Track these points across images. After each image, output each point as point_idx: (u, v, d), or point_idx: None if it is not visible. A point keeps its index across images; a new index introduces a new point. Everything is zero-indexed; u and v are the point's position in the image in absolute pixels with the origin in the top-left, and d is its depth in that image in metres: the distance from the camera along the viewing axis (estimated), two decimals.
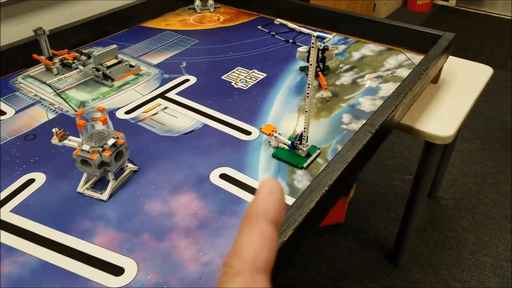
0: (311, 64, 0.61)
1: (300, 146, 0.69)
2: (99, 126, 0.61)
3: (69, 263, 0.53)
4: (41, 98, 0.86)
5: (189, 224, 0.58)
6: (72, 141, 0.62)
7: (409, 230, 1.31)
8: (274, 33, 1.16)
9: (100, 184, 0.64)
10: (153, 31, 1.17)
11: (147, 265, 0.52)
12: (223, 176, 0.66)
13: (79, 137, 0.61)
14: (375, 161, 1.87)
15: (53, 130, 0.62)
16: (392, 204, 1.65)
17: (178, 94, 0.88)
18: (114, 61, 0.91)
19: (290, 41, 1.12)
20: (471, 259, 1.43)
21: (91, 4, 1.20)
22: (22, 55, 0.94)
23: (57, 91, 0.88)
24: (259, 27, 1.20)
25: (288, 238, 0.51)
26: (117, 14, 1.13)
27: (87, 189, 0.63)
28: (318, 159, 0.70)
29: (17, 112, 0.81)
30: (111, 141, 0.60)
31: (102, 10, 1.14)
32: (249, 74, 0.96)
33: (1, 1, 1.00)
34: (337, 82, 0.93)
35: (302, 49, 0.95)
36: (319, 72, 0.94)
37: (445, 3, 3.75)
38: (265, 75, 0.95)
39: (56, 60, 0.93)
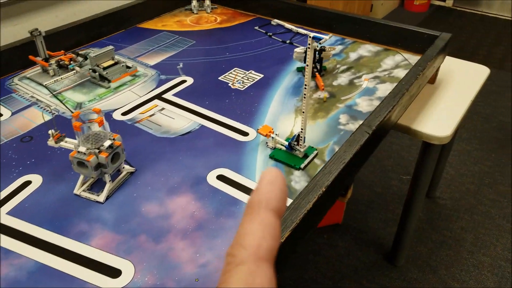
0: (307, 65, 0.61)
1: (297, 147, 0.69)
2: (96, 128, 0.61)
3: (66, 265, 0.52)
4: (37, 99, 0.85)
5: (186, 225, 0.58)
6: (68, 143, 0.62)
7: (407, 230, 1.31)
8: (271, 33, 1.16)
9: (97, 186, 0.64)
10: (149, 32, 1.17)
11: (144, 267, 0.52)
12: (220, 177, 0.66)
13: (75, 138, 0.61)
14: (373, 161, 1.87)
15: (50, 131, 0.62)
16: (390, 204, 1.65)
17: (175, 95, 0.88)
18: (111, 62, 0.91)
19: (287, 41, 1.12)
20: (469, 259, 1.43)
21: (87, 5, 1.20)
22: (19, 57, 0.94)
23: (54, 93, 0.88)
24: (256, 27, 1.20)
25: (285, 239, 0.51)
26: (114, 15, 1.13)
27: (83, 191, 0.62)
28: (316, 160, 0.70)
29: (13, 113, 0.81)
30: (107, 143, 0.59)
31: (99, 11, 1.13)
32: (246, 75, 0.96)
33: (1, 1, 0.99)
34: (334, 83, 0.93)
35: (299, 49, 0.95)
36: (316, 73, 0.94)
37: (442, 4, 3.76)
38: (262, 76, 0.95)
39: (53, 61, 0.93)
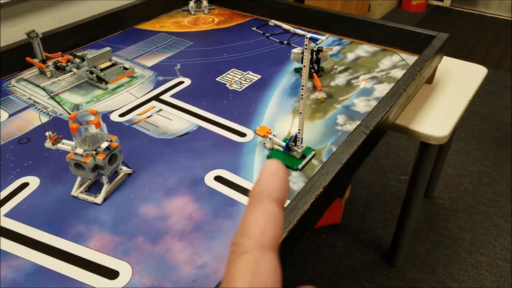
0: (304, 66, 0.61)
1: (294, 147, 0.69)
2: (93, 129, 0.61)
3: (64, 267, 0.52)
4: (34, 101, 0.85)
5: (184, 227, 0.58)
6: (65, 145, 0.62)
7: (406, 230, 1.31)
8: (268, 34, 1.16)
9: (94, 187, 0.64)
10: (147, 33, 1.17)
11: (141, 268, 0.52)
12: (218, 178, 0.66)
13: (73, 140, 0.61)
14: (371, 161, 1.87)
15: (47, 133, 0.62)
16: (389, 204, 1.65)
17: (172, 96, 0.88)
18: (108, 63, 0.91)
19: (285, 42, 1.12)
20: (467, 259, 1.43)
21: (85, 6, 1.20)
22: (16, 58, 0.94)
23: (51, 94, 0.88)
24: (254, 28, 1.20)
25: (282, 240, 0.51)
26: (111, 16, 1.13)
27: (81, 192, 0.62)
28: (313, 161, 0.70)
29: (10, 115, 0.81)
30: (104, 144, 0.59)
31: (96, 12, 1.13)
32: (243, 75, 0.96)
33: (1, 1, 0.99)
34: (332, 83, 0.93)
35: (297, 50, 0.95)
36: (314, 74, 0.94)
37: (439, 3, 3.76)
38: (259, 76, 0.95)
39: (50, 63, 0.93)
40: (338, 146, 0.67)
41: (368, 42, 1.12)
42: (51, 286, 0.50)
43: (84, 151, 0.59)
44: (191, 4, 1.28)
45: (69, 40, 1.04)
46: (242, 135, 0.76)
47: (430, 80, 1.13)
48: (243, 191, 0.64)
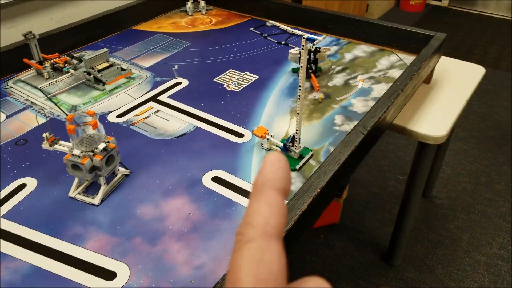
0: (301, 66, 0.61)
1: (292, 148, 0.69)
2: (90, 131, 0.61)
3: (61, 268, 0.52)
4: (32, 102, 0.85)
5: (182, 227, 0.58)
6: (63, 146, 0.62)
7: (404, 230, 1.31)
8: (266, 35, 1.16)
9: (91, 188, 0.64)
10: (144, 34, 1.17)
11: (139, 269, 0.52)
12: (216, 179, 0.66)
13: (70, 141, 0.61)
14: (369, 161, 1.87)
15: (44, 135, 0.61)
16: (387, 204, 1.65)
17: (170, 97, 0.88)
18: (105, 64, 0.91)
19: (282, 42, 1.12)
20: (466, 258, 1.43)
21: (82, 7, 1.20)
22: (13, 60, 0.94)
23: (48, 96, 0.87)
24: (251, 29, 1.20)
25: None
26: (109, 17, 1.13)
27: (78, 193, 0.62)
28: (311, 161, 0.70)
29: (8, 117, 0.81)
30: (101, 145, 0.59)
31: (93, 13, 1.13)
32: (241, 76, 0.96)
33: (1, 1, 0.99)
34: (330, 84, 0.93)
35: (294, 50, 0.95)
36: (312, 74, 0.94)
37: (437, 3, 3.77)
38: (257, 77, 0.95)
39: (47, 64, 0.93)
40: (336, 146, 0.67)
41: (366, 42, 1.12)
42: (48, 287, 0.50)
43: (81, 152, 0.59)
44: (189, 4, 1.28)
45: (66, 41, 1.04)
46: (240, 135, 0.76)
47: (428, 80, 1.13)
48: (241, 191, 0.64)
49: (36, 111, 0.83)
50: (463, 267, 1.40)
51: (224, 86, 0.92)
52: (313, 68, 0.95)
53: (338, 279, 1.37)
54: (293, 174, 0.67)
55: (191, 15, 1.29)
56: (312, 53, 0.94)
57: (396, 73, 0.97)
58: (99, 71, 0.89)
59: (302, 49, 0.60)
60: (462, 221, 1.58)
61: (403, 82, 0.83)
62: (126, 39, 1.13)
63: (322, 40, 1.11)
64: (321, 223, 1.55)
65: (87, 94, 0.89)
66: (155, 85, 0.92)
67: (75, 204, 0.61)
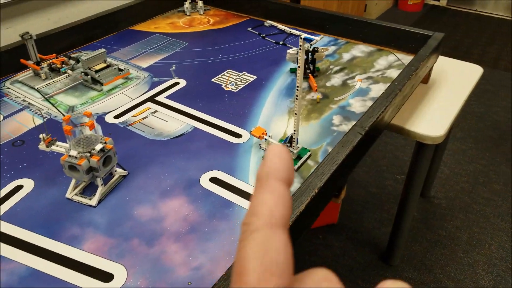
0: (299, 66, 0.61)
1: (290, 148, 0.69)
2: (87, 131, 0.61)
3: (58, 270, 0.52)
4: (29, 103, 0.85)
5: (179, 228, 0.57)
6: (59, 147, 0.62)
7: (402, 230, 1.31)
8: (264, 35, 1.16)
9: (89, 189, 0.64)
10: (142, 34, 1.16)
11: (136, 270, 0.52)
12: (214, 180, 0.66)
13: (67, 142, 0.61)
14: (368, 161, 1.87)
15: (41, 136, 0.61)
16: (385, 204, 1.65)
17: (167, 97, 0.88)
18: (103, 65, 0.91)
19: (280, 43, 1.12)
20: (464, 258, 1.43)
21: (79, 7, 1.20)
22: (10, 60, 0.93)
23: (46, 96, 0.87)
24: (249, 29, 1.20)
25: None
26: (106, 17, 1.13)
27: (76, 194, 0.62)
28: (309, 161, 0.70)
29: (5, 117, 0.81)
30: (98, 146, 0.59)
31: (91, 13, 1.13)
32: (239, 76, 0.96)
33: (1, 1, 0.99)
34: (328, 84, 0.93)
35: (292, 51, 0.95)
36: (309, 74, 0.94)
37: (436, 3, 3.77)
38: (255, 77, 0.95)
39: (44, 64, 0.92)
40: (334, 146, 0.67)
41: (364, 42, 1.12)
42: None
43: (78, 153, 0.58)
44: (186, 5, 1.28)
45: (64, 41, 1.04)
46: (238, 136, 0.76)
47: (426, 79, 1.13)
48: (239, 192, 0.64)
49: (33, 112, 0.82)
50: (461, 267, 1.40)
51: (222, 86, 0.92)
52: (311, 68, 0.95)
53: None
54: None
55: (189, 15, 1.29)
56: (310, 53, 0.94)
57: (394, 73, 0.97)
58: (96, 71, 0.89)
59: (300, 49, 0.59)
60: (461, 220, 1.58)
61: (401, 82, 0.83)
62: (124, 39, 1.13)
63: (320, 40, 1.10)
64: (319, 223, 1.55)
65: (84, 94, 0.88)
66: (153, 85, 0.92)
67: (72, 205, 0.61)
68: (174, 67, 0.99)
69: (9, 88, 0.90)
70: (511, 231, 1.53)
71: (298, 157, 0.70)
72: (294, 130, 0.68)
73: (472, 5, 3.68)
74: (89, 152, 0.59)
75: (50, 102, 0.85)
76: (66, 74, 0.93)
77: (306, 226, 0.61)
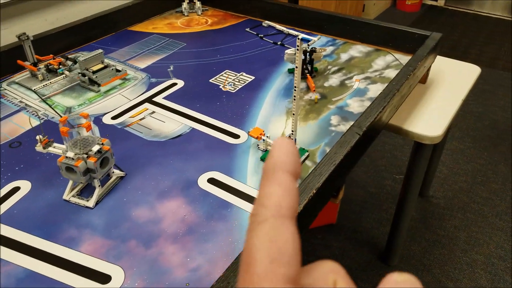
0: (297, 67, 0.61)
1: None
2: (84, 133, 0.61)
3: (55, 272, 0.52)
4: (26, 104, 0.85)
5: (177, 230, 0.57)
6: (56, 148, 0.61)
7: (401, 230, 1.31)
8: (262, 35, 1.16)
9: (86, 191, 0.63)
10: (140, 35, 1.16)
11: (134, 272, 0.52)
12: (211, 181, 0.66)
13: (64, 144, 0.60)
14: (366, 161, 1.87)
15: (37, 137, 0.61)
16: (384, 204, 1.65)
17: (165, 98, 0.87)
18: (100, 66, 0.91)
19: (278, 43, 1.12)
20: (462, 257, 1.43)
21: (77, 8, 1.19)
22: (7, 61, 0.93)
23: (43, 97, 0.87)
24: (247, 29, 1.20)
25: None
26: (104, 18, 1.13)
27: (73, 196, 0.62)
28: (307, 162, 0.70)
29: (1, 119, 0.80)
30: (95, 148, 0.59)
31: (88, 14, 1.13)
32: (237, 77, 0.95)
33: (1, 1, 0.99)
34: (326, 84, 0.93)
35: (290, 51, 0.94)
36: (307, 74, 0.94)
37: (434, 3, 3.78)
38: (253, 77, 0.95)
39: (41, 65, 0.92)
40: (332, 147, 0.67)
41: (362, 42, 1.12)
42: None
43: (75, 154, 0.58)
44: (184, 5, 1.28)
45: (61, 42, 1.04)
46: (236, 136, 0.76)
47: (423, 79, 1.13)
48: (237, 193, 0.63)
49: (30, 113, 0.82)
50: (460, 266, 1.40)
51: (220, 87, 0.91)
52: (309, 68, 0.95)
53: None
54: None
55: (187, 15, 1.28)
56: (308, 54, 0.94)
57: (392, 73, 0.97)
58: (94, 72, 0.89)
59: (297, 49, 0.59)
60: (459, 220, 1.58)
61: (399, 82, 0.83)
62: (121, 40, 1.13)
63: (317, 40, 1.10)
64: (318, 224, 1.55)
65: (81, 95, 0.88)
66: (151, 86, 0.92)
67: (69, 207, 0.61)
68: (172, 68, 0.99)
69: (5, 89, 0.90)
70: (510, 231, 1.53)
71: None
72: (292, 131, 0.68)
73: (470, 5, 3.68)
74: (86, 153, 0.58)
75: (47, 103, 0.85)
76: (63, 75, 0.93)
77: (305, 227, 0.61)
